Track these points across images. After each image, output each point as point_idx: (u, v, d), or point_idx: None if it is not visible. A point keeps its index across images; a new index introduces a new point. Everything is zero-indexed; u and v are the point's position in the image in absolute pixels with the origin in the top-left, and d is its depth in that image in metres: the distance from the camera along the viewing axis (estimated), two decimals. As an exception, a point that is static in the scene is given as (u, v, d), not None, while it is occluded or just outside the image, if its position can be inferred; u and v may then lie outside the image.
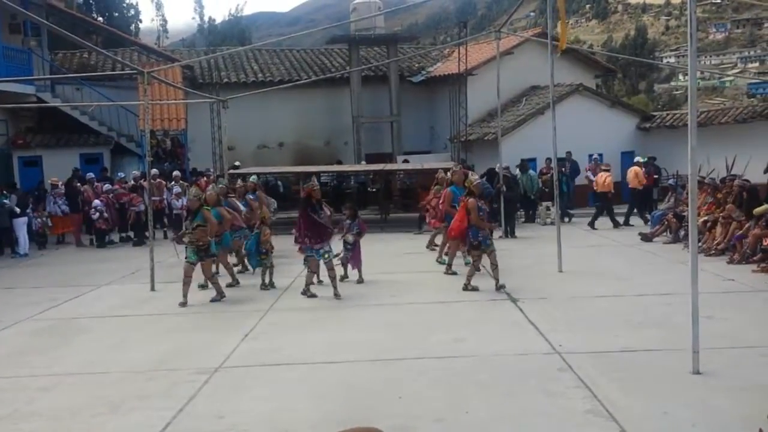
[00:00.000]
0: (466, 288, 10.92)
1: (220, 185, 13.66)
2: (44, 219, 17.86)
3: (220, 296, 10.93)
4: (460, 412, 6.05)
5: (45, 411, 6.46)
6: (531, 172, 19.86)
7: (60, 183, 18.59)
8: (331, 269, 10.80)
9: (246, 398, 6.61)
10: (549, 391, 6.49)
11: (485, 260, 11.24)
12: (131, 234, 18.86)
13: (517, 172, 19.45)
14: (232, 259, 13.01)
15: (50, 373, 7.63)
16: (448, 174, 13.67)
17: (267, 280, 11.77)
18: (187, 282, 10.67)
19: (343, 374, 7.24)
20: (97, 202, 17.81)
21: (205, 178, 19.03)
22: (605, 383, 6.61)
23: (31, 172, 22.28)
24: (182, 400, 6.57)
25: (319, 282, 11.31)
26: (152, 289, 11.85)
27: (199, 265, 10.80)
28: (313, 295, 10.82)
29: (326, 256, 10.75)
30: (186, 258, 10.84)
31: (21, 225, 16.80)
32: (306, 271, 11.13)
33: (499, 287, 10.83)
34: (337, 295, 10.67)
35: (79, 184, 18.76)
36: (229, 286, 11.79)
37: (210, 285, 11.22)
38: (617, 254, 14.53)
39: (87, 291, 12.30)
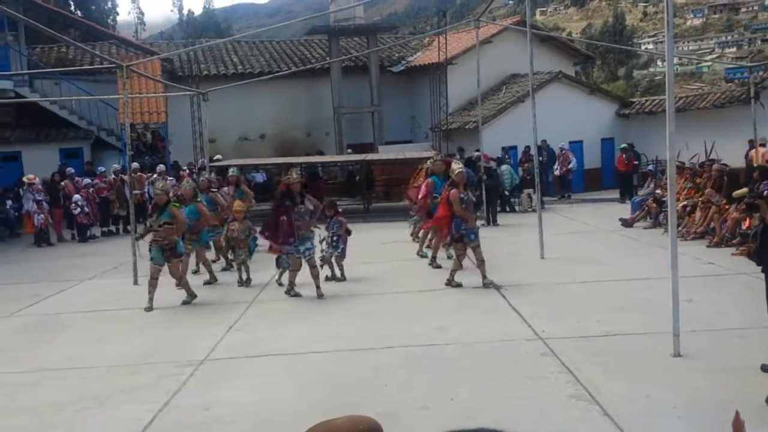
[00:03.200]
0: (449, 284, 10.51)
1: (202, 179, 13.49)
2: (46, 214, 17.52)
3: (190, 298, 10.35)
4: (444, 399, 6.11)
5: (29, 407, 6.45)
6: (504, 166, 19.82)
7: (36, 179, 18.31)
8: (313, 267, 10.35)
9: (232, 389, 6.64)
10: (532, 376, 6.57)
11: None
12: (113, 228, 18.78)
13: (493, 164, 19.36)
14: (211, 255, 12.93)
15: (34, 368, 7.61)
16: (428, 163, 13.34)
17: (243, 277, 11.42)
18: (153, 284, 10.01)
19: (328, 364, 7.28)
20: (77, 196, 17.67)
21: (186, 172, 18.91)
22: (587, 367, 6.69)
23: (11, 167, 22.06)
24: (168, 393, 6.58)
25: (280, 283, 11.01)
26: (135, 283, 11.79)
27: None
28: (298, 294, 10.39)
29: (307, 253, 10.27)
30: (151, 258, 10.19)
31: None
32: (278, 270, 10.90)
33: (487, 284, 10.38)
34: (320, 296, 10.22)
35: (58, 179, 18.61)
36: (206, 283, 11.57)
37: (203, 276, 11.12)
38: (598, 240, 14.65)
39: (69, 286, 12.23)
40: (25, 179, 18.20)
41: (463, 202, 10.35)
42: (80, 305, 10.72)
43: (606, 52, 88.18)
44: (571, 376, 6.51)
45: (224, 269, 12.64)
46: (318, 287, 10.31)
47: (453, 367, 6.94)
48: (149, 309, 10.00)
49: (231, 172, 15.22)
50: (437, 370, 6.87)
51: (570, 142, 23.27)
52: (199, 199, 11.77)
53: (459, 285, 10.51)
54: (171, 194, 11.04)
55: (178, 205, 10.59)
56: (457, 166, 10.77)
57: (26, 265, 14.82)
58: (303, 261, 10.30)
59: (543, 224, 12.83)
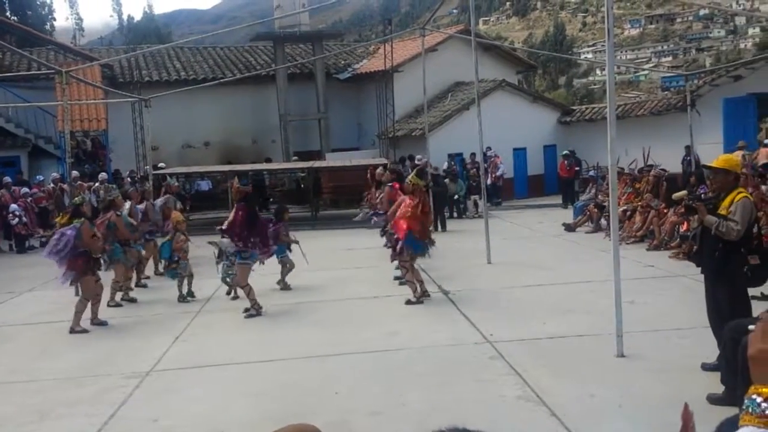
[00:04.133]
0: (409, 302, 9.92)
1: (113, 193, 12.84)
2: None
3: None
4: (396, 405, 6.14)
5: (-31, 423, 6.24)
6: (460, 181, 20.26)
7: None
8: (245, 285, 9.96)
9: (179, 400, 6.54)
10: (482, 379, 6.64)
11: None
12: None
13: (447, 181, 19.52)
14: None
15: (-28, 383, 7.36)
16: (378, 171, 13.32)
17: (184, 291, 10.94)
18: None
19: (278, 372, 7.23)
20: (14, 206, 17.19)
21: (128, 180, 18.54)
22: (535, 369, 6.80)
23: (-58, 177, 21.32)
24: (114, 405, 6.44)
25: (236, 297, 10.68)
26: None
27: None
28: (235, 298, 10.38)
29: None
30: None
31: None
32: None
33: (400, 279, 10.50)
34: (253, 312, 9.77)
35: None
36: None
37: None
38: (543, 245, 14.92)
39: (8, 298, 11.89)
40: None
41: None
42: (22, 317, 10.41)
43: (547, 61, 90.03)
44: (519, 378, 6.61)
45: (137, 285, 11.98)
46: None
47: (403, 372, 6.97)
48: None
49: (170, 181, 14.99)
50: (388, 376, 6.89)
51: (514, 149, 23.71)
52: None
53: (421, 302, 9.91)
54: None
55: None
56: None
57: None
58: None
59: (489, 230, 12.99)
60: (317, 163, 22.47)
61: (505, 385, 6.48)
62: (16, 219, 17.14)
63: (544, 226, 17.58)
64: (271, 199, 24.75)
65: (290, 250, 11.33)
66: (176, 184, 15.04)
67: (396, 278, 11.11)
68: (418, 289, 9.98)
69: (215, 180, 24.62)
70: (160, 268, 12.53)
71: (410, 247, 9.87)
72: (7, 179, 18.48)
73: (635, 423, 5.53)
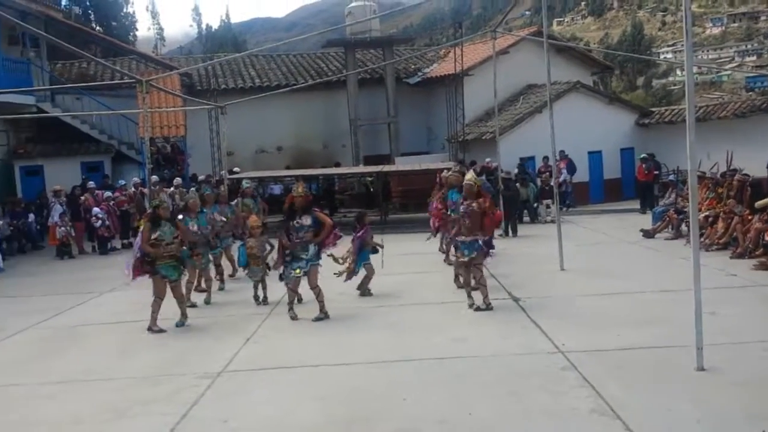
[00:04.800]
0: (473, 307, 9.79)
1: (207, 192, 13.00)
2: (68, 228, 17.63)
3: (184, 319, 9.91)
4: (463, 413, 6.05)
5: (50, 418, 6.46)
6: (531, 184, 19.97)
7: (63, 191, 18.54)
8: (315, 286, 9.78)
9: (249, 402, 6.62)
10: (553, 391, 6.48)
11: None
12: (133, 240, 18.87)
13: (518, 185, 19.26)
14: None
15: (55, 380, 7.63)
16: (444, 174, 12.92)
17: (260, 295, 10.97)
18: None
19: (346, 377, 7.24)
20: (97, 209, 17.82)
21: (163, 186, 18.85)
22: (609, 381, 6.60)
23: (33, 181, 22.33)
24: (186, 405, 6.57)
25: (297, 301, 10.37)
26: (153, 295, 11.79)
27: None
28: (294, 317, 9.81)
29: (298, 271, 9.64)
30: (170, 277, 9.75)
31: None
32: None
33: (470, 305, 9.84)
34: (320, 318, 9.74)
35: (79, 192, 18.81)
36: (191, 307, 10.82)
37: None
38: (619, 251, 14.53)
39: (90, 298, 12.31)
40: (52, 189, 18.48)
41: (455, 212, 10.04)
42: (101, 317, 10.76)
43: (624, 61, 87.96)
44: (593, 390, 6.43)
45: (220, 289, 12.20)
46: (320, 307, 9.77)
47: (471, 381, 6.87)
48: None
49: (245, 184, 15.26)
50: (455, 384, 6.80)
51: (589, 152, 23.23)
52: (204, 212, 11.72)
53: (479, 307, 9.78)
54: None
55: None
56: (469, 176, 10.21)
57: (48, 278, 14.93)
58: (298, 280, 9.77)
59: (563, 236, 12.74)
60: (386, 167, 22.50)
61: (577, 397, 6.31)
62: (99, 222, 17.77)
63: (620, 231, 17.12)
64: (340, 204, 24.97)
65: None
66: (250, 186, 15.24)
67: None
68: (488, 294, 9.84)
69: (286, 184, 24.95)
70: (237, 273, 12.70)
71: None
72: (91, 184, 19.16)
73: (715, 439, 5.31)
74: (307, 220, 9.62)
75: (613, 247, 15.20)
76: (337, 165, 25.84)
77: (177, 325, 9.75)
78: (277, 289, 11.16)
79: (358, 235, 10.98)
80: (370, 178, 24.22)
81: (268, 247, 11.11)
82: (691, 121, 6.71)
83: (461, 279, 10.73)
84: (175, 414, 6.36)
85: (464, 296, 10.13)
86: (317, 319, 9.63)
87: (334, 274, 10.84)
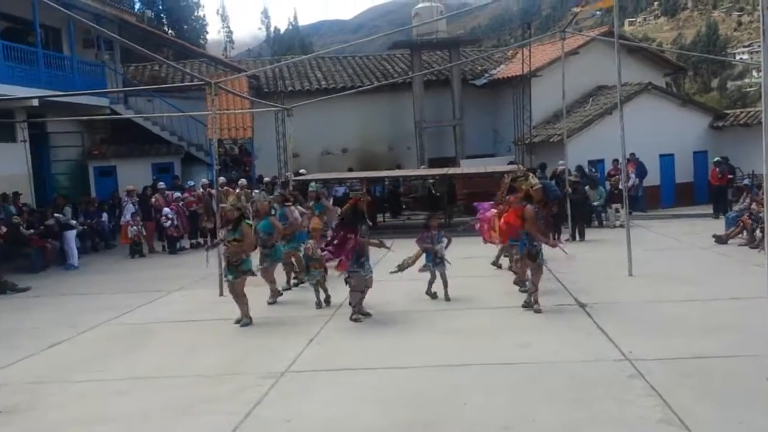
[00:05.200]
0: (527, 305, 9.99)
1: (263, 195, 13.21)
2: (139, 227, 18.16)
3: (247, 319, 9.99)
4: (526, 420, 5.96)
5: (118, 415, 6.64)
6: (600, 188, 19.59)
7: (135, 191, 19.10)
8: (369, 287, 10.06)
9: (311, 403, 6.67)
10: (619, 399, 6.33)
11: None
12: (201, 240, 19.31)
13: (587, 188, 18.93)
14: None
15: (124, 377, 7.85)
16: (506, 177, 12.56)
17: (321, 298, 10.97)
18: (237, 300, 10.03)
19: (408, 380, 7.22)
20: (167, 210, 18.28)
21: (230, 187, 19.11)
22: (678, 391, 6.41)
23: (106, 181, 23.09)
24: (249, 405, 6.66)
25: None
26: (221, 294, 12.03)
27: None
28: (358, 319, 9.89)
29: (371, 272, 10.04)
30: (226, 277, 10.29)
31: (70, 237, 16.92)
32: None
33: (528, 303, 10.02)
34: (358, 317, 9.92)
35: (150, 193, 19.34)
36: (269, 303, 11.30)
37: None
38: (690, 257, 14.12)
39: (159, 296, 12.62)
40: (125, 189, 19.08)
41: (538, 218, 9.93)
42: (170, 315, 11.03)
43: (698, 62, 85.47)
44: (660, 399, 6.25)
45: (285, 289, 12.19)
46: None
47: (535, 387, 6.77)
48: (240, 321, 9.96)
49: (311, 187, 15.27)
50: (518, 390, 6.72)
51: (660, 155, 22.65)
52: (273, 214, 11.89)
53: (539, 311, 9.81)
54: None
55: (250, 222, 10.40)
56: (534, 181, 10.20)
57: (119, 276, 15.38)
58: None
59: (632, 240, 12.45)
60: (451, 170, 22.39)
61: (644, 406, 6.15)
62: (169, 222, 18.23)
63: (692, 237, 16.64)
64: (405, 206, 24.96)
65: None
66: (315, 189, 15.28)
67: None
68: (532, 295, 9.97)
69: (352, 186, 25.08)
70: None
71: (532, 245, 9.87)
72: (162, 184, 19.69)
73: (791, 455, 5.09)
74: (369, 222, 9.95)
75: (685, 252, 14.77)
76: (399, 167, 25.84)
77: (241, 326, 9.92)
78: (340, 290, 11.18)
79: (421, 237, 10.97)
80: (431, 181, 24.14)
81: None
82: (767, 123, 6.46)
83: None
84: (238, 413, 6.46)
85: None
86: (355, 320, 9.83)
87: (391, 272, 10.88)
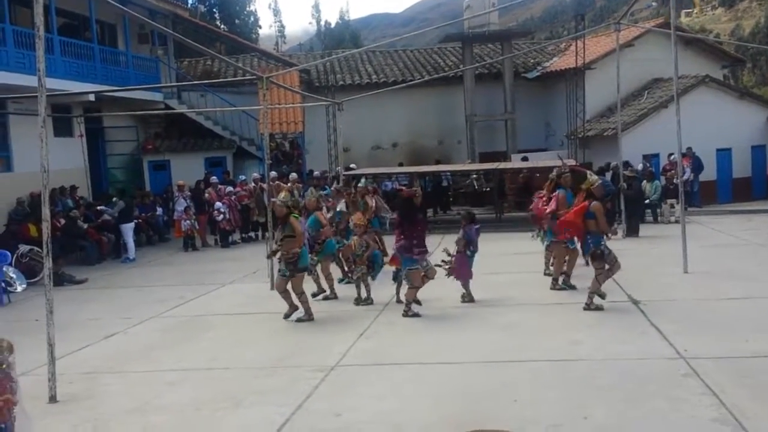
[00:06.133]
0: (588, 307, 9.61)
1: (311, 192, 13.14)
2: (192, 221, 18.47)
3: (308, 317, 9.92)
4: (577, 418, 5.89)
5: (172, 405, 6.78)
6: (656, 182, 19.23)
7: (186, 185, 19.41)
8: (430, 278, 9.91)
9: (362, 396, 6.70)
10: (673, 398, 6.21)
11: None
12: (253, 234, 19.55)
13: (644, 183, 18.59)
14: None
15: (177, 368, 8.01)
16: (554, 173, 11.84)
17: (363, 295, 10.78)
18: (284, 296, 9.97)
19: (457, 375, 7.21)
20: (219, 204, 18.54)
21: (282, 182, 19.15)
22: (734, 390, 6.26)
23: (160, 175, 23.54)
24: (300, 397, 6.73)
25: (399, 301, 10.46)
26: (272, 288, 12.14)
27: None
28: (416, 314, 9.79)
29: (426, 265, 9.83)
30: (279, 270, 10.06)
31: (127, 231, 17.27)
32: (403, 286, 10.26)
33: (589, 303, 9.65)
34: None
35: (203, 187, 19.66)
36: (325, 299, 11.30)
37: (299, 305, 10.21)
38: (748, 254, 13.74)
39: (211, 289, 12.83)
40: (177, 183, 19.44)
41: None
42: (221, 308, 11.20)
43: (757, 54, 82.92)
44: (716, 398, 6.11)
45: (341, 281, 12.15)
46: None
47: (586, 385, 6.68)
48: (288, 316, 9.98)
49: (362, 183, 15.15)
50: (569, 387, 6.64)
51: (717, 150, 22.14)
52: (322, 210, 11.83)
53: (600, 308, 9.59)
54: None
55: (298, 216, 10.23)
56: (594, 178, 9.88)
57: (173, 269, 15.70)
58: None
59: (687, 236, 12.18)
60: (501, 165, 22.21)
61: (699, 405, 6.02)
62: (221, 216, 18.49)
63: (749, 233, 16.19)
64: (452, 200, 24.79)
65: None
66: (372, 186, 15.02)
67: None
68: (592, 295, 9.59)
69: (401, 181, 25.04)
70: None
71: (597, 245, 9.51)
72: (214, 178, 19.98)
73: None
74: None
75: (742, 249, 14.38)
76: (437, 162, 25.58)
77: (297, 320, 9.94)
78: (384, 288, 11.12)
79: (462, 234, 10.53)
80: (474, 176, 23.95)
81: (365, 245, 10.87)
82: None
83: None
84: (289, 405, 6.53)
85: (579, 298, 10.02)
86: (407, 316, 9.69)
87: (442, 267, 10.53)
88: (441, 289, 10.69)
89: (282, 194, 10.40)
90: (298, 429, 6.04)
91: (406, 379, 7.16)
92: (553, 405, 6.20)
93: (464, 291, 10.54)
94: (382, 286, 11.08)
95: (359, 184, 14.99)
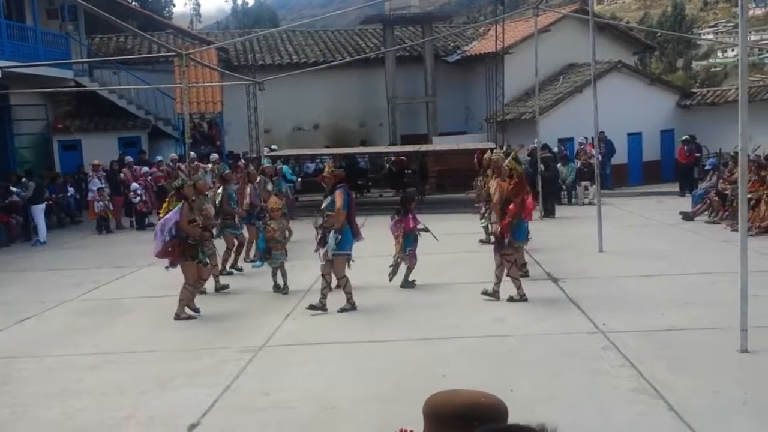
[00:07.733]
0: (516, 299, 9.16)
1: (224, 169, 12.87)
2: (106, 202, 17.84)
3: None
4: (504, 391, 5.97)
5: (94, 388, 6.58)
6: (571, 164, 19.75)
7: (101, 165, 18.75)
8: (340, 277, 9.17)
9: (291, 376, 6.68)
10: (594, 370, 6.44)
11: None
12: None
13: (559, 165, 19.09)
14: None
15: (97, 351, 7.77)
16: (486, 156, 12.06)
17: (280, 283, 10.32)
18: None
19: (386, 353, 7.27)
20: (135, 185, 18.02)
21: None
22: (651, 362, 6.54)
23: (71, 156, 22.63)
24: (228, 378, 6.65)
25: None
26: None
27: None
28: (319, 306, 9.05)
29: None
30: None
31: (38, 212, 16.55)
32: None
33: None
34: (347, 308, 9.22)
35: (117, 168, 19.04)
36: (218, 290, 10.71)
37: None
38: (658, 233, 14.33)
39: (128, 273, 12.47)
40: (91, 164, 18.73)
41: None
42: (139, 291, 10.91)
43: (665, 42, 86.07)
44: (635, 370, 6.38)
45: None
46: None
47: (512, 359, 6.86)
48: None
49: (264, 162, 14.75)
50: (496, 362, 6.80)
51: (628, 134, 22.88)
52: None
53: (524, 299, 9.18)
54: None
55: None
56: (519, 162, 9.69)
57: (87, 252, 15.17)
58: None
59: (601, 217, 12.59)
60: (423, 147, 22.37)
61: (618, 376, 6.27)
62: (138, 197, 17.97)
63: (659, 214, 16.87)
64: (370, 183, 24.67)
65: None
66: (271, 166, 14.65)
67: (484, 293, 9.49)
68: (522, 286, 9.20)
69: (323, 163, 24.90)
70: (251, 255, 12.21)
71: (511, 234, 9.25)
72: (129, 158, 19.38)
73: (763, 421, 5.23)
74: (327, 201, 9.15)
75: (653, 229, 14.99)
76: (363, 144, 25.59)
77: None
78: (307, 275, 10.98)
79: (404, 223, 10.26)
80: (386, 159, 24.02)
81: (287, 233, 10.59)
82: (744, 99, 6.57)
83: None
84: (218, 386, 6.44)
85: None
86: (342, 311, 8.99)
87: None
88: (363, 272, 10.69)
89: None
90: (227, 409, 5.97)
91: (335, 358, 7.17)
92: (480, 379, 6.30)
93: (391, 270, 10.40)
94: (305, 270, 11.01)
95: (263, 163, 14.62)
